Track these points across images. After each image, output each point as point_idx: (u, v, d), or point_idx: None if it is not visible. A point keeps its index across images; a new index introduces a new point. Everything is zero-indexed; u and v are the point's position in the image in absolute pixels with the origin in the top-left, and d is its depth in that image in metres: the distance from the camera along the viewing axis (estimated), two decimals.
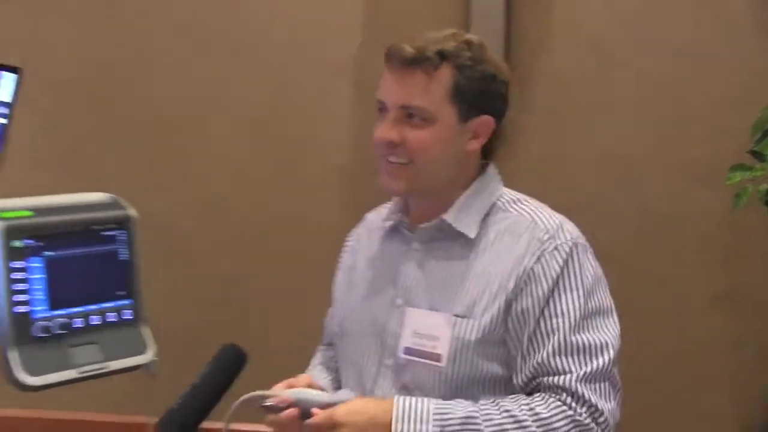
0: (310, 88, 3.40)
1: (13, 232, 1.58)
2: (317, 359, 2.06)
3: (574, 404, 1.61)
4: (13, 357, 1.57)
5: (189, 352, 1.97)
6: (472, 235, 1.75)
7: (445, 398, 1.68)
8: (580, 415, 1.61)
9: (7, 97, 2.40)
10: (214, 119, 3.55)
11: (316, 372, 2.01)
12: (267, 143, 3.48)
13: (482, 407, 1.63)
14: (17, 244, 1.58)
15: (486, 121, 1.77)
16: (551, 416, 1.60)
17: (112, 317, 1.71)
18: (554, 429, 1.60)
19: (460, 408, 1.64)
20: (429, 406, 1.64)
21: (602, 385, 1.64)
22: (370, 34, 3.26)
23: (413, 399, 1.65)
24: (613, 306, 1.74)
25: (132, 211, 1.77)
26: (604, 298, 1.72)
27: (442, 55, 1.70)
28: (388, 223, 1.89)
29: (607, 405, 1.64)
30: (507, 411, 1.61)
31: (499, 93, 1.79)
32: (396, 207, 1.88)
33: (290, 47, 3.42)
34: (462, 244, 1.76)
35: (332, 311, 2.02)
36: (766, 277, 2.43)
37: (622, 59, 3.14)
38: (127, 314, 1.73)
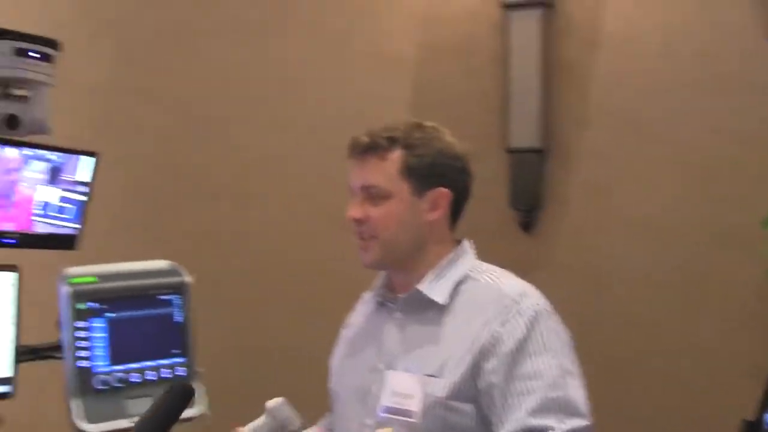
0: None
1: (78, 297, 1.83)
2: (320, 422, 2.17)
3: None
4: (75, 405, 1.80)
5: (240, 405, 2.09)
6: (442, 301, 1.89)
7: None
8: None
9: (87, 178, 2.64)
10: (272, 192, 3.79)
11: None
12: (323, 211, 3.68)
13: None
14: (82, 306, 1.83)
15: (442, 194, 1.91)
16: None
17: (166, 373, 1.92)
18: None
19: None
20: None
21: None
22: (417, 113, 3.44)
23: None
24: (579, 370, 1.83)
25: (188, 278, 1.98)
26: (573, 361, 1.83)
27: (392, 140, 1.89)
28: (377, 299, 2.04)
29: None
30: None
31: (453, 167, 1.93)
32: (380, 282, 2.04)
33: (343, 123, 3.65)
34: (435, 310, 1.90)
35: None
36: None
37: (657, 133, 3.22)
38: (181, 371, 1.94)
